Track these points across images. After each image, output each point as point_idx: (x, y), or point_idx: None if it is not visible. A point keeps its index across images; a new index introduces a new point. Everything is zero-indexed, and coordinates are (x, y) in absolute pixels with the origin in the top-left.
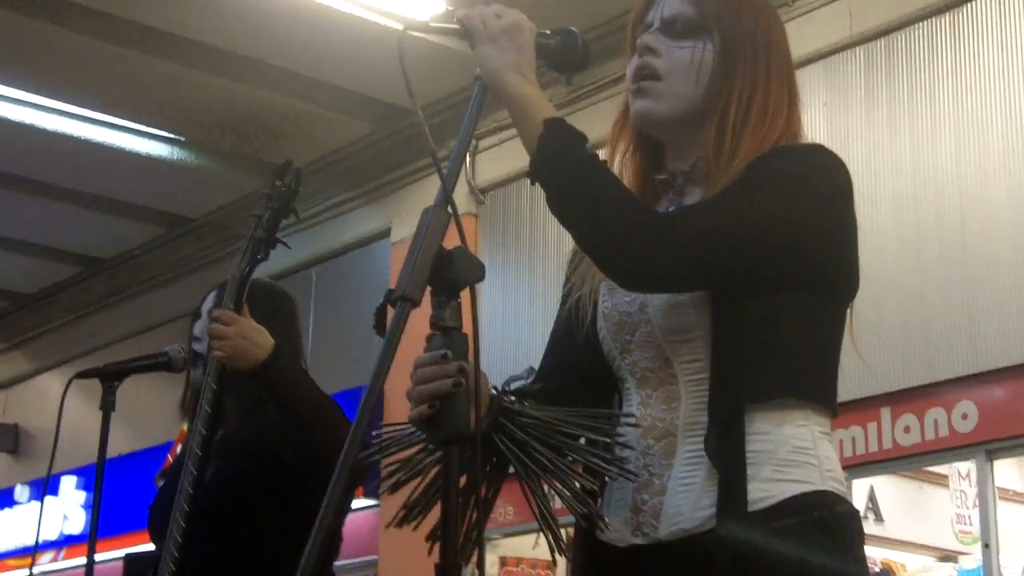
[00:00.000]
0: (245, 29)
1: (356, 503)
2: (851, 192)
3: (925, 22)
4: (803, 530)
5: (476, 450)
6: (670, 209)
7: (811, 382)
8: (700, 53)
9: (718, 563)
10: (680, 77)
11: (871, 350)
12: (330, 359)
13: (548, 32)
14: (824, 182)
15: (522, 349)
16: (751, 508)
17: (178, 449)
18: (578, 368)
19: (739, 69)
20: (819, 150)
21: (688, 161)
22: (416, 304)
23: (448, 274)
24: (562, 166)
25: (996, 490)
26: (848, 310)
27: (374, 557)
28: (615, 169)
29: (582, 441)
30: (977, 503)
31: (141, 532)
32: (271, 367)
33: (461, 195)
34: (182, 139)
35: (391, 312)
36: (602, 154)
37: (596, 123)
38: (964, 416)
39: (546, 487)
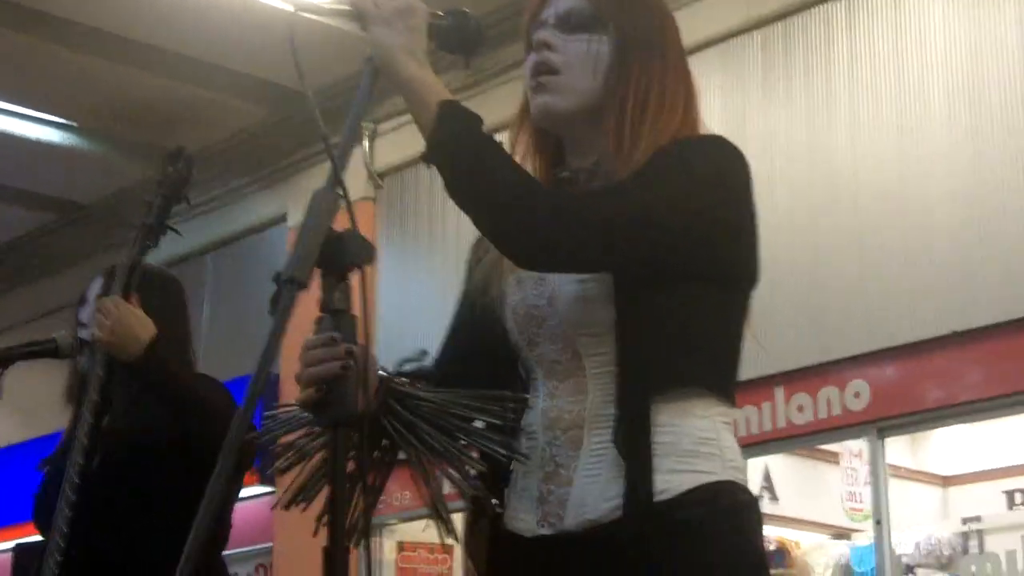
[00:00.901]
0: (139, 15)
1: (251, 490)
2: (751, 183)
3: (821, 6)
4: (706, 519)
5: (362, 432)
6: None
7: (714, 373)
8: (596, 46)
9: (624, 553)
10: (577, 70)
11: (765, 330)
12: (226, 345)
13: (440, 13)
14: (724, 173)
15: (421, 335)
16: (656, 499)
17: None
18: (480, 358)
19: (635, 63)
20: (720, 142)
21: (590, 158)
22: (304, 286)
23: (337, 256)
24: (459, 148)
25: (887, 467)
26: (749, 300)
27: (269, 544)
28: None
29: (479, 425)
30: (869, 480)
31: (31, 523)
32: (147, 358)
33: (359, 180)
34: (75, 125)
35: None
36: (500, 138)
37: (494, 107)
38: (856, 395)
39: (437, 470)
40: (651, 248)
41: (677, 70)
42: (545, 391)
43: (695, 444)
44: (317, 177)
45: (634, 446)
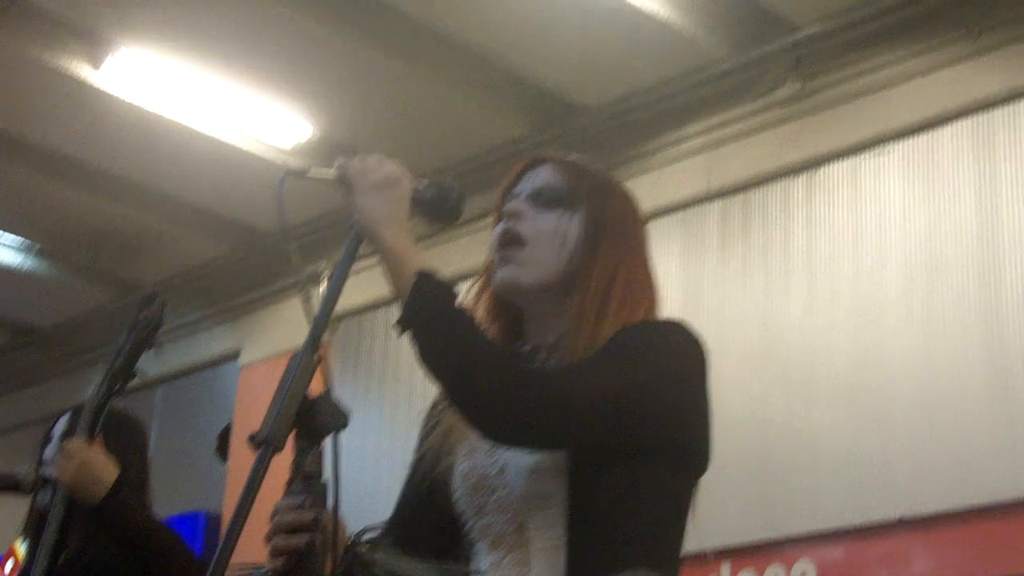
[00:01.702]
0: (107, 143)
1: None
2: (707, 370)
3: (780, 181)
4: None
5: None
6: None
7: (661, 554)
8: (566, 223)
9: None
10: (545, 244)
11: (713, 504)
12: (171, 480)
13: (425, 183)
14: (683, 360)
15: (370, 483)
16: None
17: (8, 566)
18: (430, 524)
19: (604, 246)
20: (680, 327)
21: (552, 335)
22: (279, 449)
23: (312, 421)
24: (433, 319)
25: None
26: (697, 485)
27: None
28: None
29: None
30: None
31: None
32: (108, 504)
33: None
34: (35, 247)
35: (236, 441)
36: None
37: (454, 257)
38: (803, 574)
39: None
40: (607, 430)
41: (644, 258)
42: (488, 563)
43: None
44: (273, 315)
45: None
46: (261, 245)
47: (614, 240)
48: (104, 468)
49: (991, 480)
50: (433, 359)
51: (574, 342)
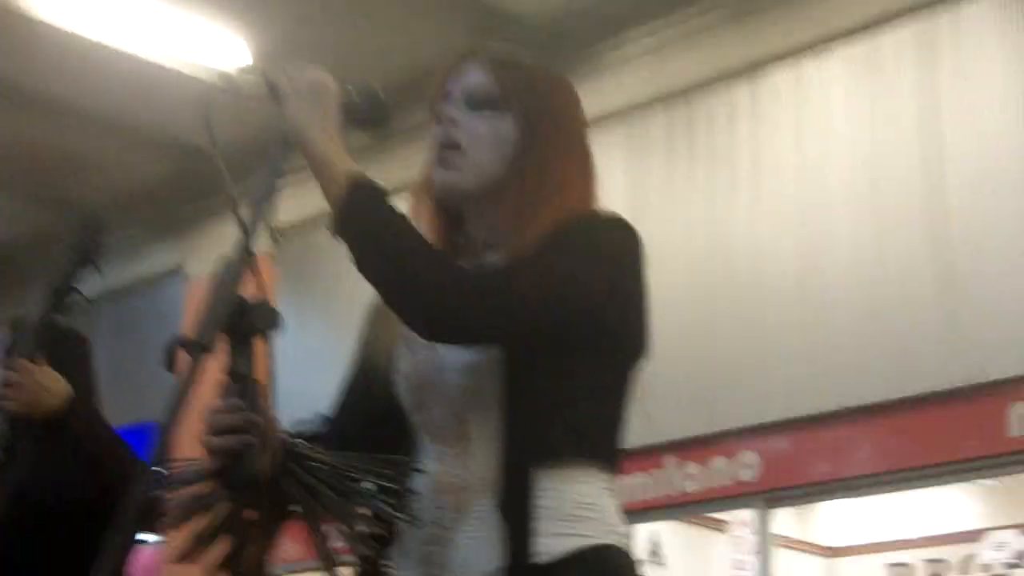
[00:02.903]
0: (44, 69)
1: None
2: (642, 260)
3: (724, 83)
4: None
5: (264, 498)
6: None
7: (598, 442)
8: (500, 124)
9: None
10: (481, 148)
11: (659, 399)
12: (119, 393)
13: (351, 90)
14: (618, 250)
15: (315, 390)
16: (536, 561)
17: None
18: (371, 420)
19: (538, 142)
20: (613, 220)
21: (489, 231)
22: (209, 351)
23: (243, 322)
24: (367, 222)
25: (774, 537)
26: (636, 374)
27: None
28: None
29: (371, 487)
30: (756, 550)
31: None
32: (67, 416)
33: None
34: None
35: (181, 351)
36: (402, 201)
37: (396, 169)
38: (746, 465)
39: (332, 529)
40: (546, 324)
41: (580, 152)
42: (432, 455)
43: (576, 508)
44: (214, 229)
45: (515, 510)
46: (202, 161)
47: (547, 136)
48: (57, 383)
49: (932, 370)
50: (368, 263)
51: (511, 238)
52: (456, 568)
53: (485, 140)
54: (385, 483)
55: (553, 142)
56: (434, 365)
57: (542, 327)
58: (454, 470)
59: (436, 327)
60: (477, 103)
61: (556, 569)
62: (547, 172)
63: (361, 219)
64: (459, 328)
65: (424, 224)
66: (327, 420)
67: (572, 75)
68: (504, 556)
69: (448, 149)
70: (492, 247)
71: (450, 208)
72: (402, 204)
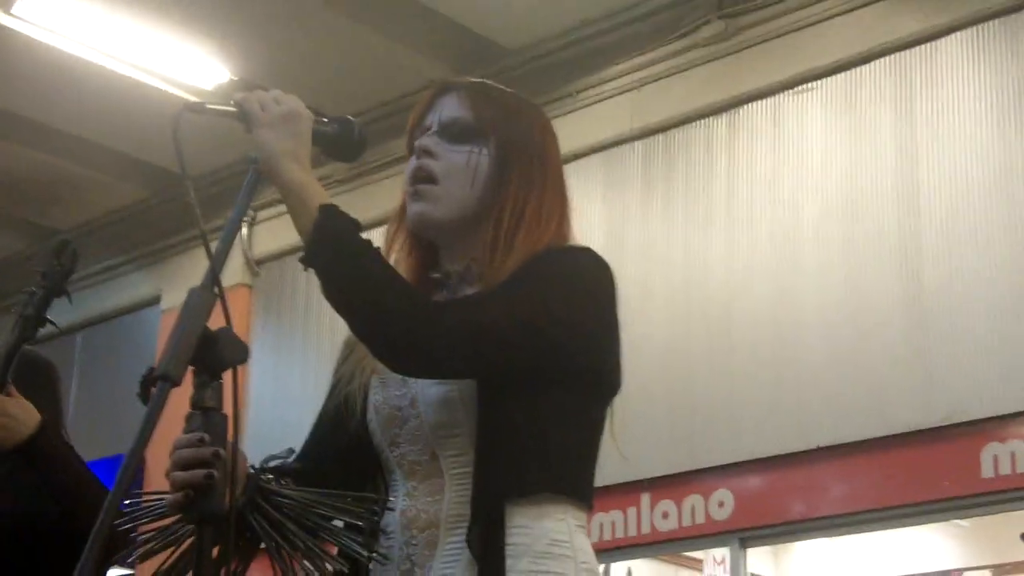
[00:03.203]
0: (21, 87)
1: (110, 574)
2: (615, 295)
3: (703, 121)
4: None
5: (229, 532)
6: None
7: (570, 479)
8: (476, 158)
9: None
10: (456, 180)
11: (634, 436)
12: (93, 425)
13: (326, 120)
14: (591, 284)
15: (291, 424)
16: None
17: None
18: (343, 455)
19: (514, 175)
20: (586, 253)
21: (463, 262)
22: (176, 384)
23: (211, 355)
24: (337, 253)
25: None
26: (609, 409)
27: None
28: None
29: (339, 524)
30: None
31: None
32: (35, 444)
33: (236, 266)
34: None
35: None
36: (378, 235)
37: (378, 200)
38: (720, 504)
39: (297, 567)
40: (518, 357)
41: (555, 184)
42: (404, 491)
43: (549, 546)
44: (193, 260)
45: (487, 547)
46: (180, 189)
47: (524, 168)
48: (25, 411)
49: (904, 410)
50: (338, 294)
51: (484, 269)
52: None
53: (461, 172)
54: (354, 520)
55: (529, 176)
56: (407, 400)
57: (513, 360)
58: (426, 506)
59: (404, 359)
60: (454, 136)
61: None
62: (524, 205)
63: (331, 249)
64: (427, 360)
65: (399, 257)
66: (300, 455)
67: (552, 108)
68: None
69: (423, 182)
70: (466, 281)
71: (425, 241)
72: (378, 237)
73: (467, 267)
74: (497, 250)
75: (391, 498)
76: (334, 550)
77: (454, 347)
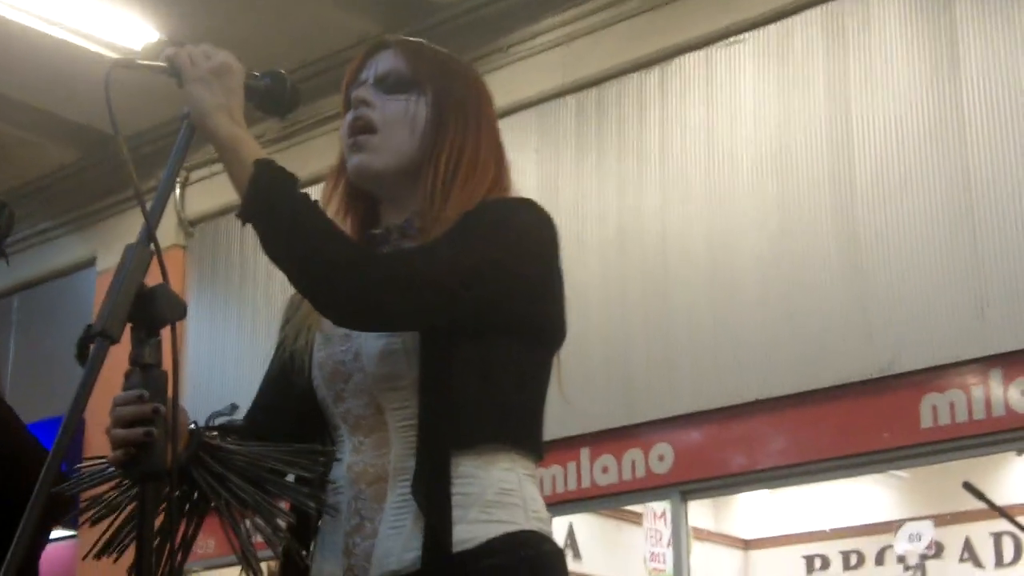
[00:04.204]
0: None
1: (53, 534)
2: (557, 245)
3: (635, 74)
4: (508, 569)
5: (172, 488)
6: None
7: (517, 428)
8: (415, 106)
9: None
10: (395, 129)
11: (573, 391)
12: (31, 387)
13: (257, 74)
14: (532, 234)
15: (229, 382)
16: (458, 549)
17: None
18: (290, 413)
19: (451, 125)
20: (528, 204)
21: (403, 216)
22: (115, 341)
23: (148, 312)
24: (274, 206)
25: (690, 529)
26: (555, 358)
27: None
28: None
29: (290, 478)
30: (671, 542)
31: None
32: None
33: (170, 227)
34: None
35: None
36: (313, 194)
37: (311, 159)
38: (660, 457)
39: (247, 521)
40: (460, 307)
41: (490, 137)
42: (351, 446)
43: (497, 495)
44: (128, 222)
45: (433, 498)
46: (114, 150)
47: (460, 119)
48: None
49: (843, 361)
50: (276, 248)
51: (424, 222)
52: (377, 559)
53: (399, 121)
54: (301, 472)
55: (465, 125)
56: (350, 354)
57: (455, 310)
58: (373, 460)
59: (345, 311)
60: (390, 86)
61: (477, 556)
62: (460, 154)
63: (267, 203)
64: (368, 312)
65: (338, 216)
66: (248, 415)
67: (484, 64)
68: (424, 544)
69: (362, 132)
70: (404, 233)
71: (364, 197)
72: (313, 194)
73: (407, 221)
74: (435, 199)
75: (338, 455)
76: (285, 505)
77: (395, 298)
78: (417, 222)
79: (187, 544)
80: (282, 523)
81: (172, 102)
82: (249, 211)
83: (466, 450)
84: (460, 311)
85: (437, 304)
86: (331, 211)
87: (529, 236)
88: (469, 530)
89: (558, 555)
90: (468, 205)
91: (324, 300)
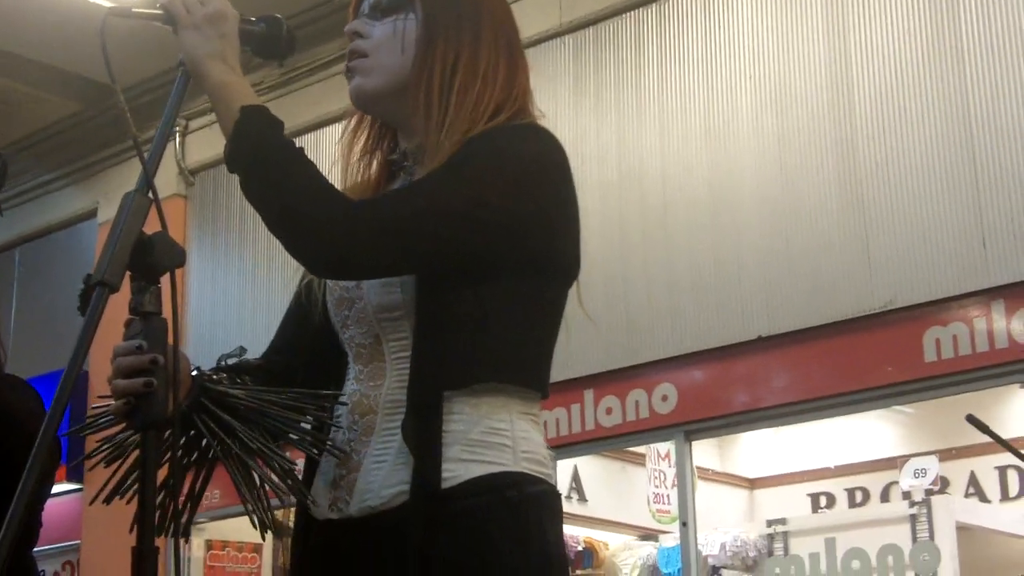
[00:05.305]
0: None
1: (58, 487)
2: (565, 171)
3: (632, 13)
4: (488, 509)
5: (174, 436)
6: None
7: (515, 366)
8: (403, 24)
9: (404, 541)
10: (385, 49)
11: (574, 333)
12: (35, 340)
13: (253, 19)
14: (539, 160)
15: (231, 330)
16: (440, 486)
17: None
18: (308, 346)
19: (442, 36)
20: (534, 129)
21: (415, 139)
22: (115, 289)
23: (148, 259)
24: (255, 155)
25: (694, 470)
26: (577, 285)
27: (76, 542)
28: (355, 160)
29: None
30: (675, 483)
31: None
32: None
33: (171, 176)
34: None
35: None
36: (311, 140)
37: (308, 105)
38: (664, 398)
39: (252, 467)
40: (449, 249)
41: (495, 45)
42: (353, 375)
43: (483, 434)
44: (129, 173)
45: (421, 434)
46: (113, 101)
47: (454, 30)
48: None
49: (845, 297)
50: (254, 193)
51: (426, 143)
52: (359, 492)
53: (389, 41)
54: (303, 416)
55: (461, 35)
56: (353, 282)
57: (444, 253)
58: (368, 391)
59: (323, 261)
60: (382, 11)
61: (459, 494)
62: (456, 65)
63: (249, 151)
64: (345, 263)
65: (366, 148)
66: (268, 351)
67: None
68: (411, 481)
69: (354, 58)
70: (416, 157)
71: (386, 127)
72: (311, 142)
73: (419, 145)
74: (432, 113)
75: (346, 383)
76: (287, 448)
77: (375, 247)
78: (423, 144)
79: (195, 497)
80: (288, 467)
81: (171, 51)
82: (231, 159)
83: (459, 387)
84: (449, 253)
85: (422, 249)
86: (358, 148)
87: (534, 163)
88: (451, 469)
89: (545, 496)
90: (472, 125)
91: (297, 247)
